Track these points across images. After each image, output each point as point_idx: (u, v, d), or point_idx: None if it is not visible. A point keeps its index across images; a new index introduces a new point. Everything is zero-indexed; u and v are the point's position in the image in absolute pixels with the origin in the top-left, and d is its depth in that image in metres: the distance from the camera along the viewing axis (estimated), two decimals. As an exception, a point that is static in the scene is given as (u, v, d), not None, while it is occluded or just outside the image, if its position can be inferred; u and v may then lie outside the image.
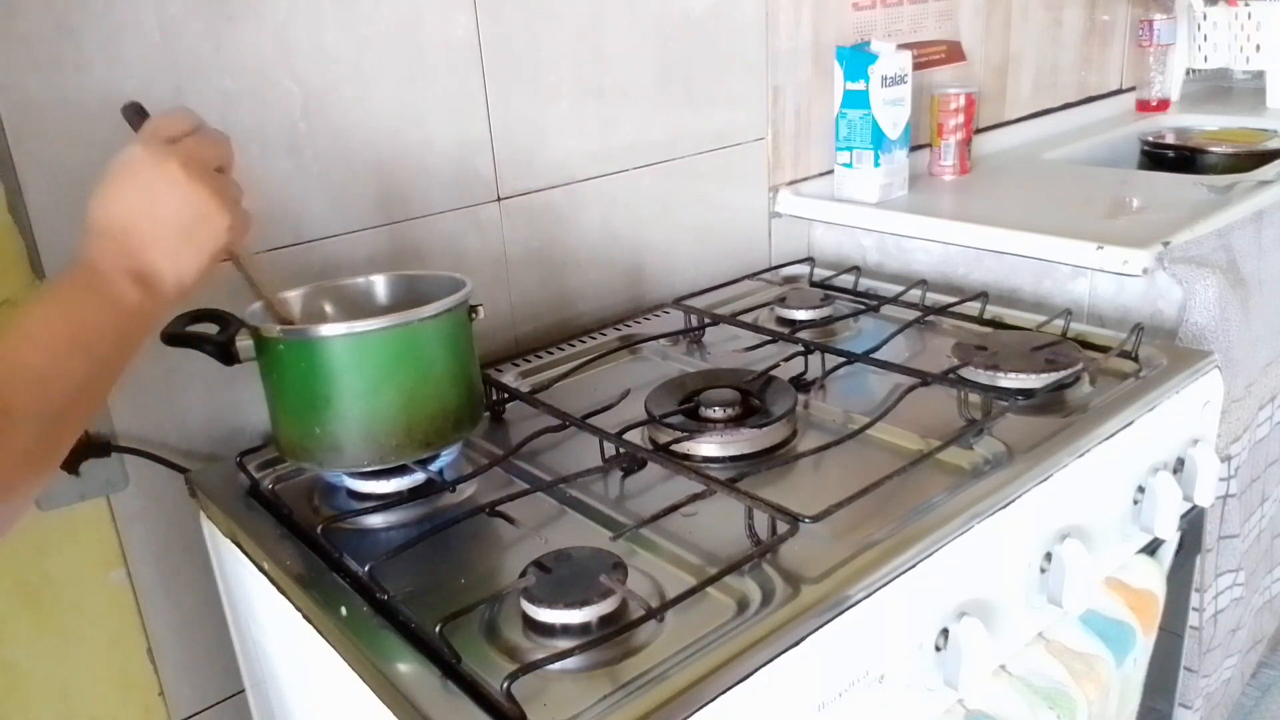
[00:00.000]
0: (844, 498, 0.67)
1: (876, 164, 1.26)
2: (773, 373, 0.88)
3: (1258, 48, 1.75)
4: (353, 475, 0.78)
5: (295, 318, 0.79)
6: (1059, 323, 0.98)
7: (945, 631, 0.67)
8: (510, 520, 0.71)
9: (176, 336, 0.72)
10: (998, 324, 1.03)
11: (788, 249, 1.34)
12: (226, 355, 0.74)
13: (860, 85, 1.23)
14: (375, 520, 0.76)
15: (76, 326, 0.56)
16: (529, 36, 1.02)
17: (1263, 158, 1.43)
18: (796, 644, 0.58)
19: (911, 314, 1.06)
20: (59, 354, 0.54)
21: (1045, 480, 0.74)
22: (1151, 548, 0.90)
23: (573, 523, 0.73)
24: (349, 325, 0.72)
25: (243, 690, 0.93)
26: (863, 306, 1.09)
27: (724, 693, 0.55)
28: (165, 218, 0.59)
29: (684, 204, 1.21)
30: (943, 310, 1.07)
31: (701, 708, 0.54)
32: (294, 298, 0.81)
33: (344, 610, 0.64)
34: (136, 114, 0.64)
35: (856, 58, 1.23)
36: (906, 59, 1.25)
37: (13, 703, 0.84)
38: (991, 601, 0.71)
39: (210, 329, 0.73)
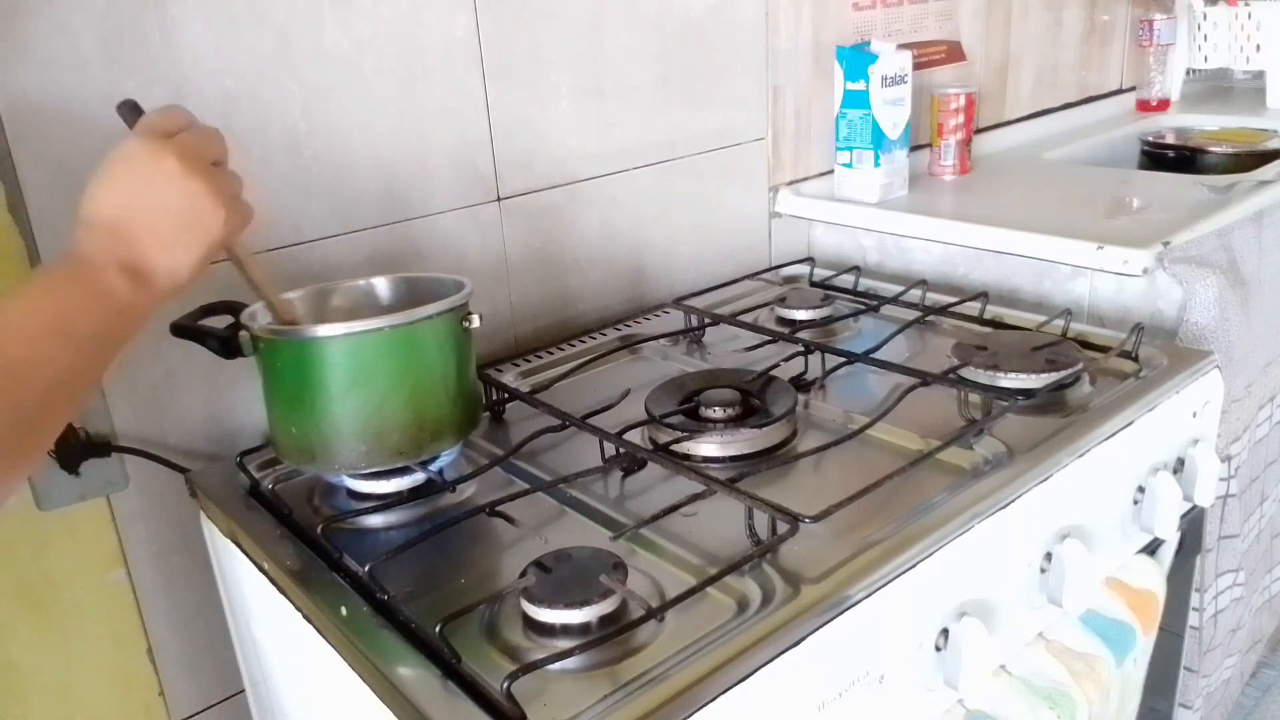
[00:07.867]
0: (844, 498, 0.67)
1: (876, 164, 1.26)
2: (773, 373, 0.88)
3: (1258, 48, 1.75)
4: (353, 475, 0.78)
5: (298, 317, 0.79)
6: (1059, 323, 0.98)
7: (945, 631, 0.67)
8: (510, 520, 0.71)
9: (187, 329, 0.72)
10: (998, 324, 1.03)
11: (788, 249, 1.34)
12: (228, 349, 0.74)
13: (860, 85, 1.23)
14: (375, 520, 0.75)
15: (59, 315, 0.54)
16: (529, 36, 1.02)
17: (1263, 158, 1.43)
18: (796, 644, 0.58)
19: (911, 314, 1.06)
20: (38, 343, 0.53)
21: (1045, 480, 0.74)
22: (1151, 548, 0.90)
23: (573, 523, 0.73)
24: (346, 326, 0.71)
25: (243, 690, 0.93)
26: (863, 306, 1.09)
27: (724, 693, 0.55)
28: (160, 210, 0.59)
29: (684, 204, 1.21)
30: (943, 310, 1.07)
31: (701, 708, 0.54)
32: (294, 299, 0.81)
33: (344, 610, 0.64)
34: (132, 111, 0.64)
35: (856, 58, 1.23)
36: (906, 59, 1.25)
37: (13, 703, 0.84)
38: (991, 601, 0.71)
39: (216, 324, 0.74)
